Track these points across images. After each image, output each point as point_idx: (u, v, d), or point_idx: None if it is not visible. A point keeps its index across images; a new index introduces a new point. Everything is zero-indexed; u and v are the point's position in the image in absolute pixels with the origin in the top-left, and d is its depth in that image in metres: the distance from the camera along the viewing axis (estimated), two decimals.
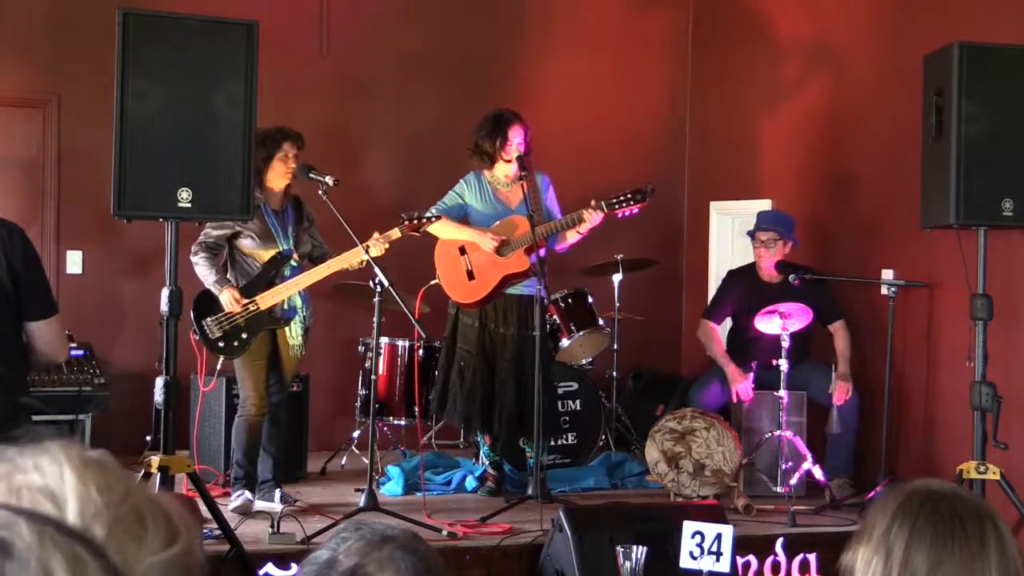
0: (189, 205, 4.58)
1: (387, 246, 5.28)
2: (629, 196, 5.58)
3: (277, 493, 5.52)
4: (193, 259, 5.34)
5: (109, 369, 6.33)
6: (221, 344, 5.34)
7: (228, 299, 5.30)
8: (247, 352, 5.38)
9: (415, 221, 5.32)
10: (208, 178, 4.61)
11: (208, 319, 5.33)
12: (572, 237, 5.74)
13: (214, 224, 5.36)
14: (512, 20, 7.72)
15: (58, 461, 0.81)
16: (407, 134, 7.50)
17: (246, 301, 5.33)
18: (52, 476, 0.80)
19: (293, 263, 5.47)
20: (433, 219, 5.40)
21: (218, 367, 5.46)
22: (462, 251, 5.80)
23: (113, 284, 6.98)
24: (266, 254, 5.43)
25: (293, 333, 5.50)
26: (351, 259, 5.30)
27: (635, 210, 5.61)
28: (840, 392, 6.05)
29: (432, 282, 6.09)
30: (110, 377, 6.19)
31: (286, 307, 5.45)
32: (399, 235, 5.34)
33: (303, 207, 5.63)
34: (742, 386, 6.11)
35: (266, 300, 5.36)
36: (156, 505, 0.84)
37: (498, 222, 5.79)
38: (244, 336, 5.36)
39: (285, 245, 5.46)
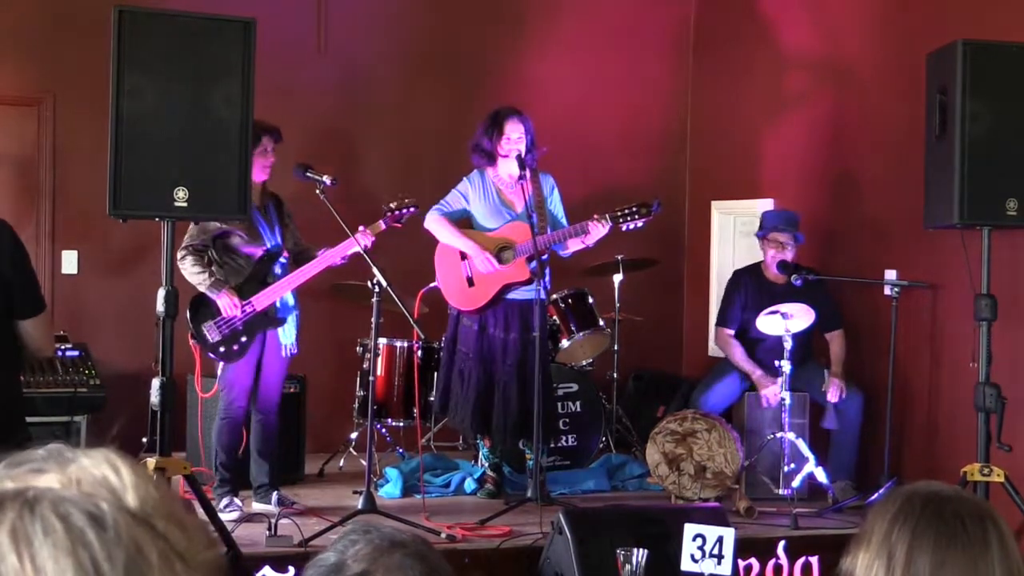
0: (185, 204, 4.55)
1: (373, 238, 5.28)
2: (635, 209, 5.54)
3: (274, 496, 5.48)
4: (181, 264, 5.25)
5: (104, 370, 6.27)
6: (222, 349, 5.30)
7: (228, 303, 5.26)
8: None
9: (396, 212, 5.34)
10: (204, 177, 4.58)
11: (208, 323, 5.29)
12: (576, 246, 5.70)
13: (198, 226, 5.30)
14: (513, 18, 7.68)
15: (112, 459, 0.84)
16: (406, 133, 7.45)
17: (243, 304, 5.30)
18: (109, 471, 0.83)
19: (282, 260, 5.45)
20: (415, 210, 5.42)
21: (219, 372, 5.41)
22: (463, 256, 5.76)
23: (108, 284, 6.93)
24: (255, 251, 5.39)
25: (287, 332, 5.46)
26: (342, 252, 5.32)
27: (639, 223, 5.57)
28: (834, 389, 6.01)
29: (432, 284, 6.06)
30: (105, 378, 6.13)
31: (278, 306, 5.41)
32: (384, 227, 5.35)
33: (283, 204, 5.59)
34: (770, 390, 5.98)
35: (261, 301, 5.33)
36: (193, 515, 0.88)
37: (500, 229, 5.74)
38: (243, 340, 5.32)
39: (272, 241, 5.43)
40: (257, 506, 5.48)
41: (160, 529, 0.80)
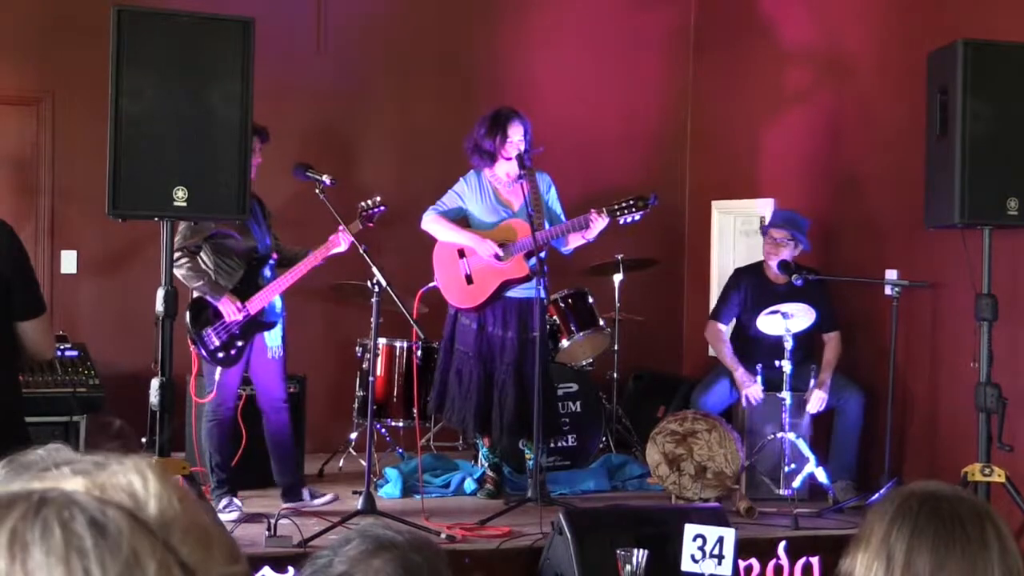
0: (185, 204, 4.54)
1: (352, 238, 5.30)
2: (631, 203, 5.53)
3: (305, 493, 5.58)
4: (177, 266, 5.17)
5: (103, 370, 6.26)
6: (220, 355, 5.29)
7: (231, 308, 5.25)
8: None
9: (369, 211, 5.39)
10: (204, 177, 4.57)
11: (207, 329, 5.27)
12: (576, 241, 5.69)
13: (191, 227, 5.27)
14: (512, 18, 7.67)
15: (141, 468, 0.85)
16: (404, 133, 7.45)
17: (240, 307, 5.30)
18: (135, 479, 0.84)
19: (271, 262, 5.45)
20: (383, 209, 5.44)
21: (215, 376, 5.37)
22: (461, 254, 5.74)
23: (108, 284, 6.92)
24: (246, 253, 5.39)
25: (273, 336, 5.45)
26: (324, 254, 5.34)
27: (637, 216, 5.57)
28: (816, 401, 5.99)
29: (431, 284, 6.05)
30: (104, 378, 6.12)
31: (266, 309, 5.40)
32: (360, 227, 5.37)
33: (265, 206, 5.59)
34: (752, 390, 6.02)
35: (255, 304, 5.33)
36: (220, 528, 0.89)
37: (499, 226, 5.73)
38: (239, 344, 5.32)
39: (262, 243, 5.43)
40: (291, 505, 5.39)
41: (173, 541, 0.80)
